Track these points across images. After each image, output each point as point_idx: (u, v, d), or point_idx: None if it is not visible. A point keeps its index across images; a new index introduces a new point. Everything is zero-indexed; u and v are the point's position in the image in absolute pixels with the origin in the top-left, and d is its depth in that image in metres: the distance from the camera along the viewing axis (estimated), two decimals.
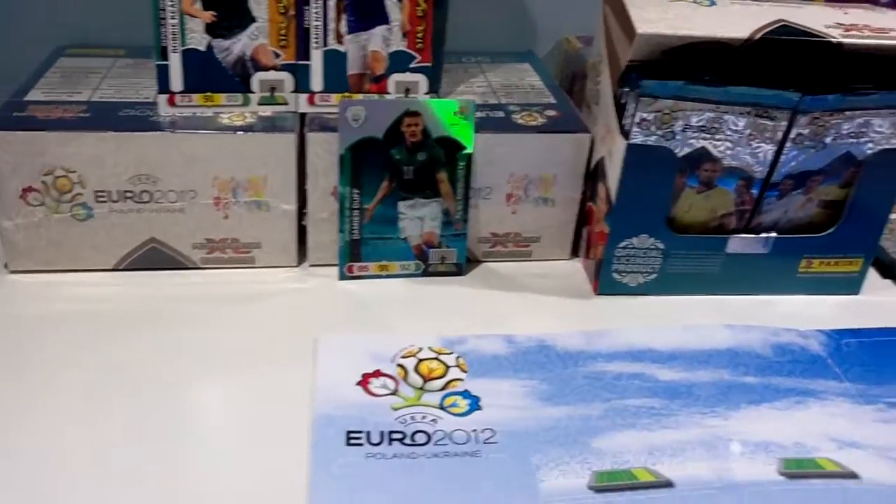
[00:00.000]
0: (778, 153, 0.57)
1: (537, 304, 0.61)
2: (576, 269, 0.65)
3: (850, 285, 0.63)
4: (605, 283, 0.62)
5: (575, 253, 0.67)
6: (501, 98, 0.67)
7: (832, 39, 0.54)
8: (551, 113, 0.65)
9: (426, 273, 0.63)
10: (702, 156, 0.57)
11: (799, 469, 0.46)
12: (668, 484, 0.45)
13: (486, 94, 0.68)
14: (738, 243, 0.60)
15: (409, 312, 0.59)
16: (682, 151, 0.57)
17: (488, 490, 0.44)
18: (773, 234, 0.60)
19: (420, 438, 0.47)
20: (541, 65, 0.76)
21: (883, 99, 0.56)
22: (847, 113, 0.56)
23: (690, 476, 0.45)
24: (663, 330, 0.57)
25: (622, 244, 0.60)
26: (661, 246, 0.60)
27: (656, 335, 0.56)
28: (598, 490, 0.44)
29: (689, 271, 0.61)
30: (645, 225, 0.59)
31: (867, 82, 0.56)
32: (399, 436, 0.47)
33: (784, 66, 0.55)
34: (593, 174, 0.63)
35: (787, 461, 0.47)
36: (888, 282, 0.66)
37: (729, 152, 0.57)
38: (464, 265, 0.64)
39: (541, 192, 0.64)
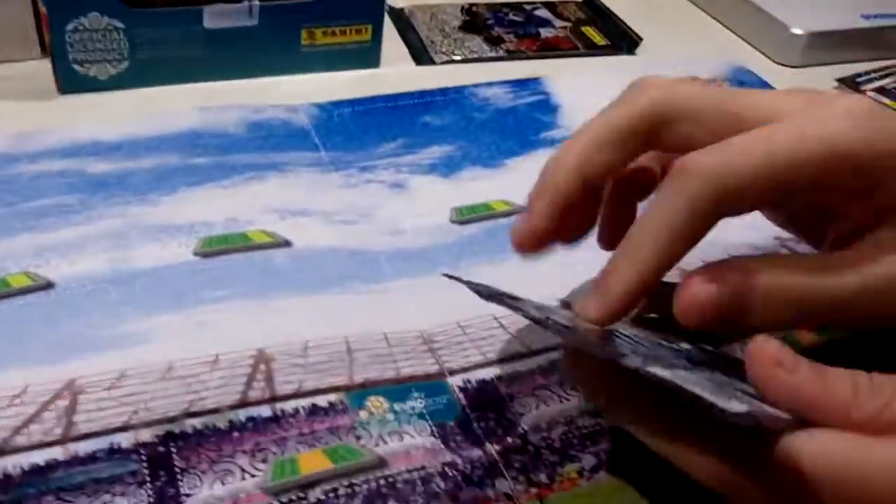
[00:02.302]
0: None
1: None
2: (46, 68, 0.54)
3: (366, 57, 0.58)
4: (67, 79, 0.51)
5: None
6: None
7: None
8: None
9: None
10: None
11: (223, 245, 0.40)
12: (46, 286, 0.37)
13: None
14: (215, 17, 0.52)
15: None
16: None
17: None
18: (256, 2, 0.52)
19: None
20: None
21: None
22: None
23: (79, 272, 0.38)
24: (122, 123, 0.48)
25: (70, 27, 0.49)
26: (119, 25, 0.50)
27: (109, 128, 0.47)
28: None
29: (166, 56, 0.52)
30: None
31: None
32: None
33: None
34: None
35: (205, 240, 0.40)
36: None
37: None
38: None
39: None
